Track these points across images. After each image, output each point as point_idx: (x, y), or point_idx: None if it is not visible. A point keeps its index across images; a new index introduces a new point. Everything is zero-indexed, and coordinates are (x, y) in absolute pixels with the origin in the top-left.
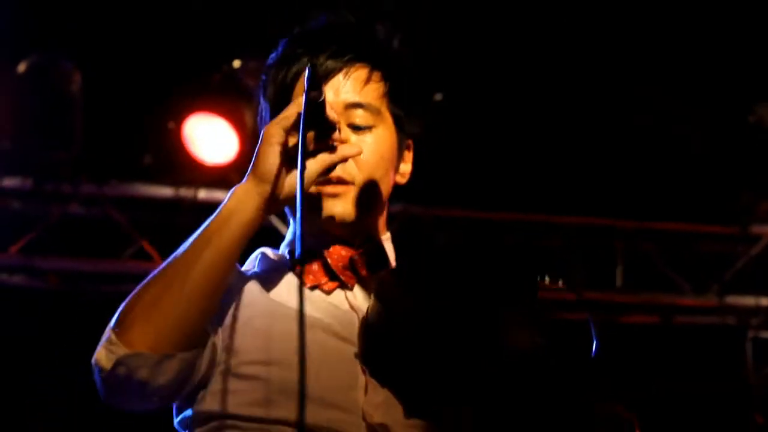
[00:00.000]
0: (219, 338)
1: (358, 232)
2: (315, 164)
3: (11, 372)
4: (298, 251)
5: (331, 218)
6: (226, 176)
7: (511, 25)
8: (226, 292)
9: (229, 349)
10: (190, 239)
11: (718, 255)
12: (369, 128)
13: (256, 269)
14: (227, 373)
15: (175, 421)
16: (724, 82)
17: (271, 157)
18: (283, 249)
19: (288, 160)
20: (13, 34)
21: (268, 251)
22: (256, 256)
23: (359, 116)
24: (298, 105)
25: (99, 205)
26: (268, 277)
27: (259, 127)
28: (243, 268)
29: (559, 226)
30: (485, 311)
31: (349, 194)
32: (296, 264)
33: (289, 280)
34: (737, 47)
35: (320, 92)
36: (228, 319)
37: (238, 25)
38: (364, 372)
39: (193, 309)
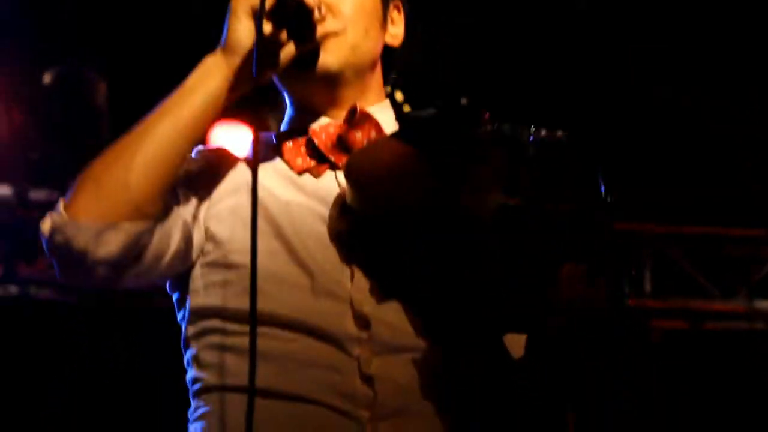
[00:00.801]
0: (201, 223)
1: (347, 98)
2: (294, 50)
3: (41, 386)
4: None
5: (323, 70)
6: None
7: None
8: (213, 176)
9: (215, 238)
10: (152, 110)
11: (746, 258)
12: None
13: (249, 152)
14: (216, 264)
15: (178, 317)
16: (753, 81)
17: (240, 28)
18: (284, 127)
19: (259, 30)
20: (38, 45)
21: (263, 134)
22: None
23: None
24: None
25: None
26: (263, 164)
27: None
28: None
29: None
30: (465, 179)
31: (336, 42)
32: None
33: (278, 166)
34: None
35: None
36: (213, 207)
37: None
38: (349, 257)
39: (143, 180)
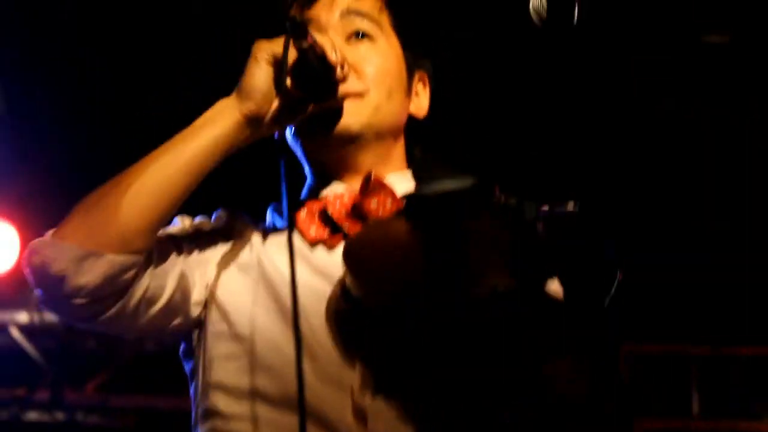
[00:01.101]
0: (206, 285)
1: (365, 163)
2: (313, 106)
3: None
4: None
5: (343, 131)
6: None
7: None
8: (226, 242)
9: (223, 308)
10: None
11: None
12: (369, 37)
13: (266, 224)
14: (223, 336)
15: (191, 393)
16: None
17: (256, 73)
18: (305, 186)
19: (278, 80)
20: (89, 175)
21: (277, 203)
22: (268, 211)
23: (357, 24)
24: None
25: None
26: (272, 236)
27: None
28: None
29: (634, 354)
30: (466, 264)
31: (359, 103)
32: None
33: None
34: None
35: (307, 40)
36: (223, 275)
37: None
38: (352, 344)
39: (133, 210)
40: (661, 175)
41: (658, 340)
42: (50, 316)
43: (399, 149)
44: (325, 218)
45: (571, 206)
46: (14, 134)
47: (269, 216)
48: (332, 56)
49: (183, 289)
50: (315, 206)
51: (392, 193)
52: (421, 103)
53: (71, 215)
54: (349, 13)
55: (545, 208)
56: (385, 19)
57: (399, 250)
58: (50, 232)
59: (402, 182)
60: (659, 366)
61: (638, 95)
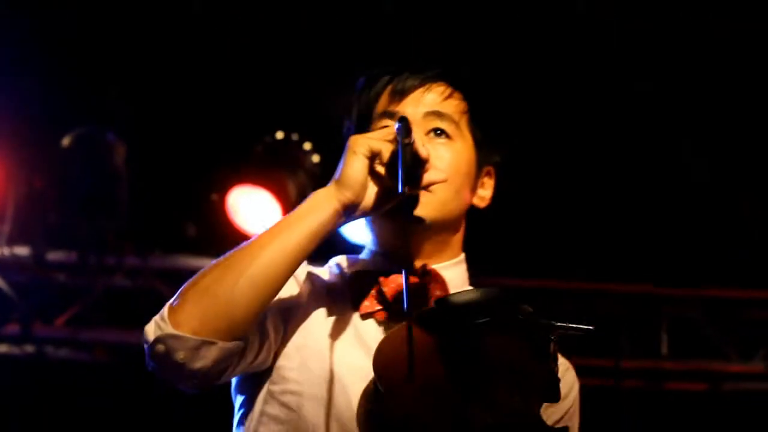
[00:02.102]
0: (276, 345)
1: (425, 251)
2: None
3: None
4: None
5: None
6: None
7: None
8: (296, 304)
9: (281, 369)
10: (261, 231)
11: (764, 320)
12: (447, 136)
13: (329, 279)
14: (274, 396)
15: (235, 420)
16: None
17: (355, 165)
18: (366, 254)
19: (372, 172)
20: (58, 108)
21: (344, 261)
22: (334, 264)
23: (438, 123)
24: (385, 134)
25: (143, 276)
26: (335, 297)
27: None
28: (321, 272)
29: (604, 294)
30: (480, 390)
31: (428, 197)
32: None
33: (345, 306)
34: None
35: (410, 137)
36: (289, 336)
37: (280, 97)
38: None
39: (243, 302)
40: None
41: (629, 280)
42: (21, 250)
43: (458, 236)
44: (380, 295)
45: (585, 324)
46: None
47: (335, 269)
48: (423, 152)
49: (266, 351)
50: (372, 281)
51: (443, 283)
52: (484, 193)
53: (184, 299)
54: (433, 113)
55: (562, 324)
56: (463, 122)
57: (421, 362)
58: (167, 310)
59: (453, 271)
60: (629, 305)
61: None
